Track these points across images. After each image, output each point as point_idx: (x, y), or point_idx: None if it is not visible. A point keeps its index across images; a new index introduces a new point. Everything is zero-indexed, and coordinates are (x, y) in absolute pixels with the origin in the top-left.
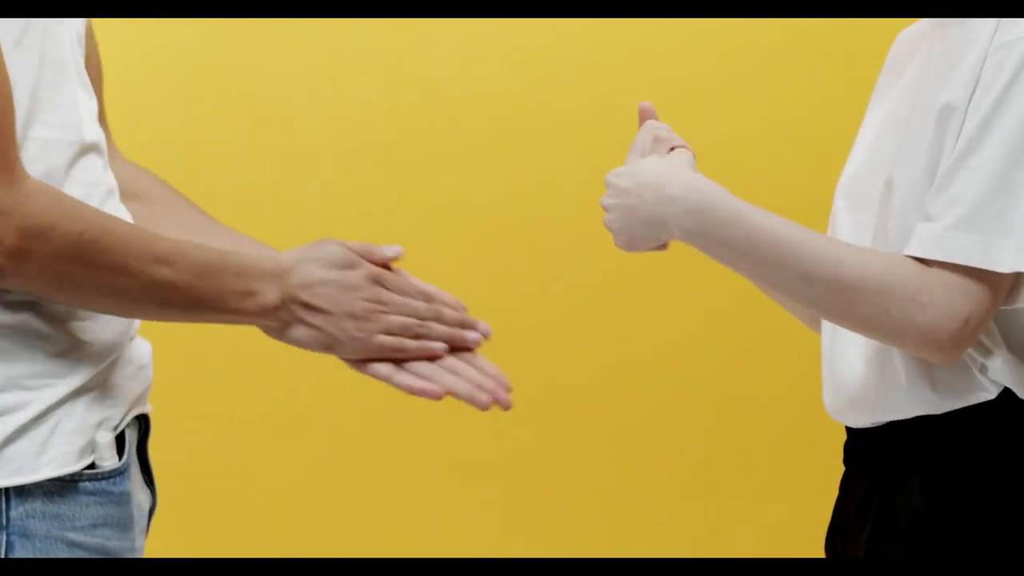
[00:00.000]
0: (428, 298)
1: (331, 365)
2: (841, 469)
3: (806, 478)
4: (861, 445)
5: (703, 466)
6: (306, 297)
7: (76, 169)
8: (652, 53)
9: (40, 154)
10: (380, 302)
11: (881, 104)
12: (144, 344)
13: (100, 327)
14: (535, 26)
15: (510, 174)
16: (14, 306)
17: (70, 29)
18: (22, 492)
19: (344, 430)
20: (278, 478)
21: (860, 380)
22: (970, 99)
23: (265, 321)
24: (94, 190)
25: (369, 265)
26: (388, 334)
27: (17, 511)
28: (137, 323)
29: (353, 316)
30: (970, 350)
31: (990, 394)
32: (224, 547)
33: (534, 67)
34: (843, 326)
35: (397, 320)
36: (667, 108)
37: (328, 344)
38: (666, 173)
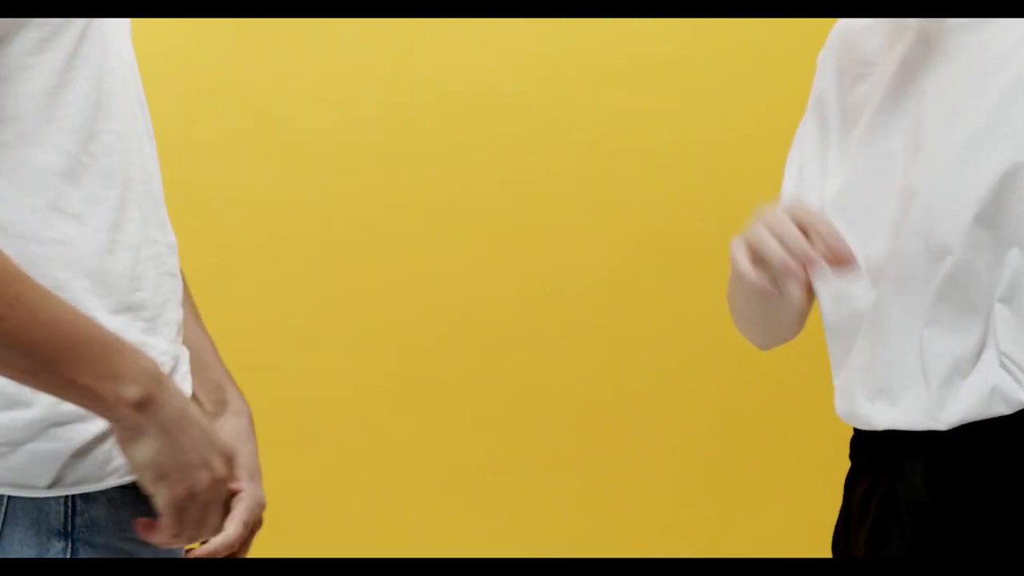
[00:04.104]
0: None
1: (337, 367)
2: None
3: (813, 478)
4: (867, 442)
5: (707, 466)
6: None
7: (138, 160)
8: (654, 54)
9: (115, 144)
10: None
11: (842, 118)
12: (185, 351)
13: (157, 331)
14: (537, 27)
15: (511, 175)
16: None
17: (123, 31)
18: (87, 500)
19: (351, 431)
20: (285, 480)
21: (871, 383)
22: None
23: (119, 416)
24: (152, 186)
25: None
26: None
27: (82, 518)
28: (182, 332)
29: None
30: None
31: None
32: None
33: (535, 68)
34: None
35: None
36: (668, 109)
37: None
38: None
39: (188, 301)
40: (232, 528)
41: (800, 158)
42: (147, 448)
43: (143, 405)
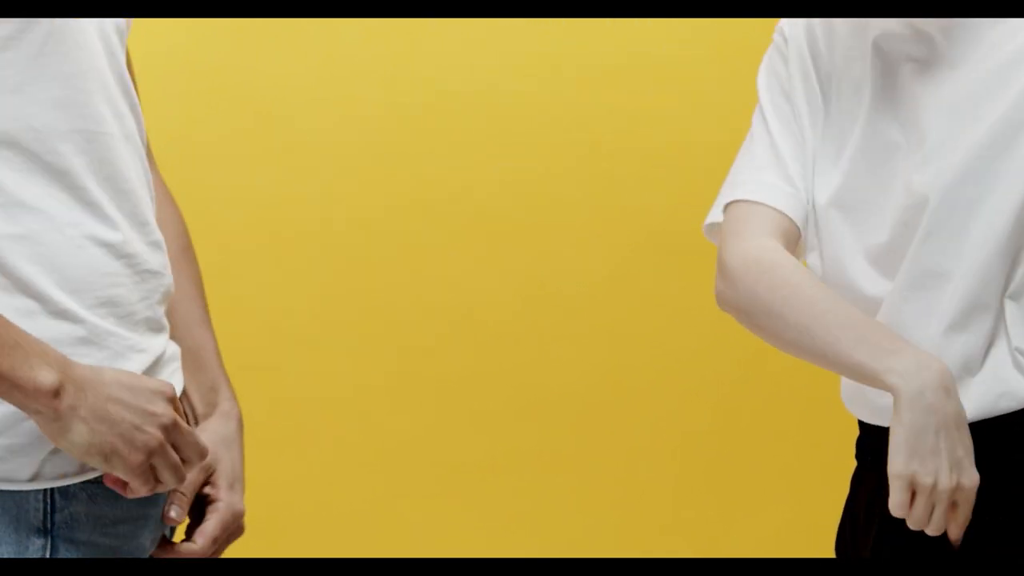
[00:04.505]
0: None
1: (337, 367)
2: (849, 468)
3: (813, 478)
4: (874, 440)
5: (707, 466)
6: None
7: (115, 161)
8: (654, 54)
9: (84, 144)
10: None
11: (828, 109)
12: (174, 345)
13: (134, 328)
14: (537, 27)
15: (511, 175)
16: (57, 314)
17: (107, 30)
18: (66, 495)
19: (351, 431)
20: (285, 480)
21: None
22: None
23: (39, 405)
24: (132, 184)
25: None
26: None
27: (62, 515)
28: (167, 325)
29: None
30: None
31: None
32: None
33: (535, 68)
34: None
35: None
36: (668, 109)
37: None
38: None
39: (198, 299)
40: (201, 542)
41: (786, 120)
42: (80, 434)
43: (60, 391)
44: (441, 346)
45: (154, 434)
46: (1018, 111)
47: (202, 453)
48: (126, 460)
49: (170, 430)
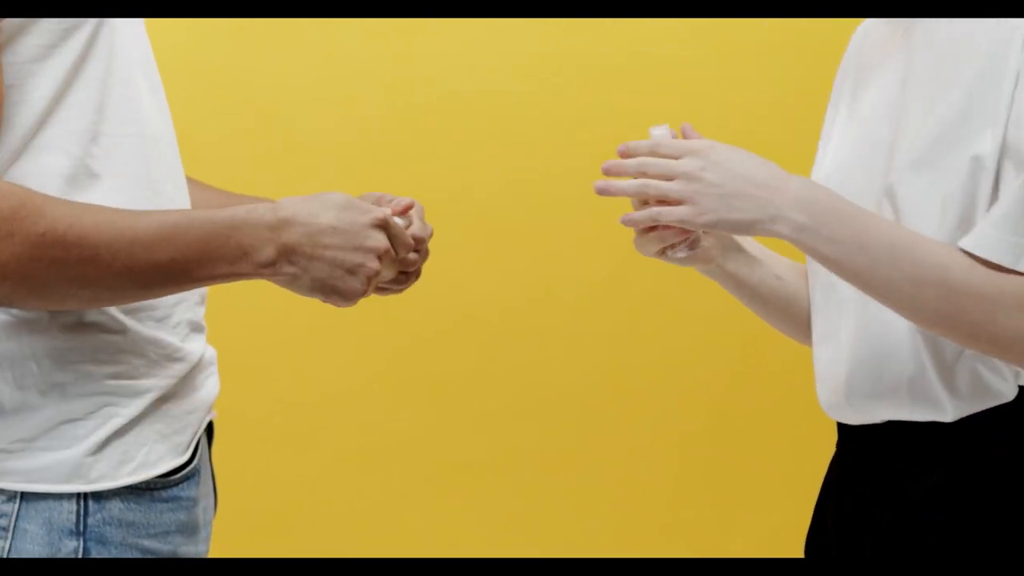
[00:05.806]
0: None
1: (337, 367)
2: None
3: (812, 478)
4: (853, 444)
5: (707, 466)
6: (307, 247)
7: (147, 162)
8: (654, 54)
9: (112, 148)
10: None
11: (852, 101)
12: (211, 350)
13: (169, 330)
14: (537, 27)
15: (511, 175)
16: (96, 323)
17: (135, 26)
18: (100, 499)
19: (351, 431)
20: (286, 480)
21: (869, 376)
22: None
23: (265, 277)
24: (164, 186)
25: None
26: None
27: (95, 518)
28: (205, 329)
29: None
30: None
31: (1008, 397)
32: (231, 548)
33: (535, 68)
34: (945, 334)
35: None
36: (668, 109)
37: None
38: (776, 167)
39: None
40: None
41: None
42: (305, 284)
43: (278, 258)
44: (441, 346)
45: (372, 266)
46: (964, 104)
47: (409, 246)
48: (346, 293)
49: (385, 254)
